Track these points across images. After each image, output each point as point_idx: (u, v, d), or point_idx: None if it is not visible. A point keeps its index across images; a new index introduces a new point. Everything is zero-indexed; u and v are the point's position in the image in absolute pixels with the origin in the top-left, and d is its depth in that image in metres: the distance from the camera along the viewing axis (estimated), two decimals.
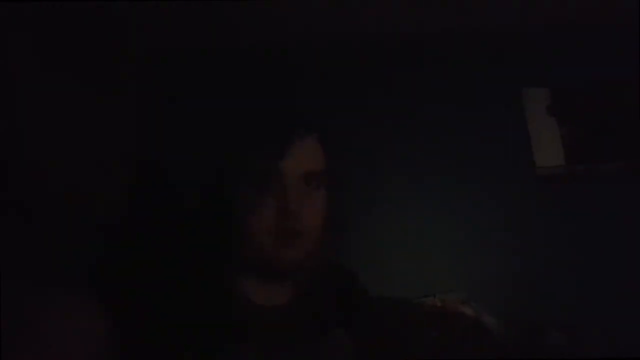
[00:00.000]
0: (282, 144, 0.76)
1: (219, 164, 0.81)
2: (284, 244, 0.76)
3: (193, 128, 1.11)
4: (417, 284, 1.35)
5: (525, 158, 1.63)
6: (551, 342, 1.18)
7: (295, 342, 0.81)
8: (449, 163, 1.59)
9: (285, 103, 0.97)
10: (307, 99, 1.25)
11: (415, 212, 1.52)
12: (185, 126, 1.28)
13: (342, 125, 1.45)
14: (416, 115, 1.60)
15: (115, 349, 0.69)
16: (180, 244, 0.95)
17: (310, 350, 0.83)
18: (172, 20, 1.32)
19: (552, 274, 1.47)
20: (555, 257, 1.50)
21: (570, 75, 1.68)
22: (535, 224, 1.54)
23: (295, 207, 0.75)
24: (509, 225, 1.53)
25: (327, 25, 1.54)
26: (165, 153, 1.20)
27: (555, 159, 1.62)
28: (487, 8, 1.55)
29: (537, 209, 1.56)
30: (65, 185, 0.88)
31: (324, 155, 0.80)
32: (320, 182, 0.79)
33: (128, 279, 0.80)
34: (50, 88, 0.90)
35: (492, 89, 1.65)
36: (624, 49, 1.55)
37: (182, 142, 1.16)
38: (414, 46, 1.63)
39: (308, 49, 1.54)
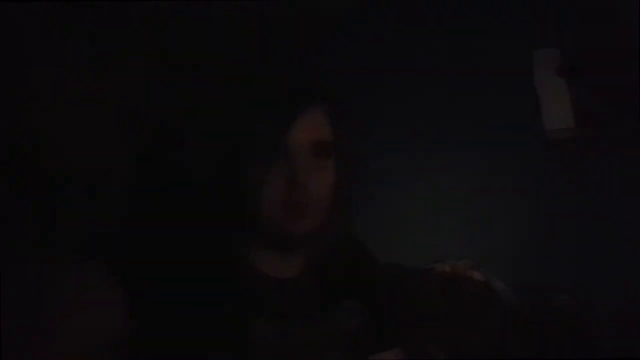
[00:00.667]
0: (289, 116, 0.76)
1: (227, 136, 0.80)
2: (294, 215, 0.76)
3: (200, 99, 1.10)
4: (426, 252, 1.35)
5: (534, 121, 1.60)
6: (560, 305, 1.19)
7: (307, 313, 0.82)
8: (456, 127, 1.57)
9: (290, 73, 0.96)
10: (314, 68, 1.23)
11: (423, 180, 1.51)
12: (192, 98, 1.26)
13: (348, 93, 1.44)
14: (422, 78, 1.57)
15: (130, 323, 0.70)
16: (191, 215, 0.95)
17: (322, 321, 0.84)
18: None
19: (561, 239, 1.47)
20: (564, 222, 1.49)
21: (581, 35, 1.64)
22: (543, 188, 1.53)
23: (304, 179, 0.75)
24: (517, 190, 1.52)
25: None
26: (174, 124, 1.18)
27: (565, 121, 1.60)
28: None
29: (545, 173, 1.55)
30: (77, 156, 0.88)
31: (332, 126, 0.80)
32: (328, 153, 0.79)
33: (141, 251, 0.80)
34: (61, 59, 0.89)
35: (500, 50, 1.61)
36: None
37: (190, 113, 1.14)
38: (419, 4, 1.58)
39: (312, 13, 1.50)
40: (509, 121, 1.59)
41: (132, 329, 0.70)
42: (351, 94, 1.46)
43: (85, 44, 0.94)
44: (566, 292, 1.19)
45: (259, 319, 0.77)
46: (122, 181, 0.97)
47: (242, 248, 0.83)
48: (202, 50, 1.29)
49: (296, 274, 0.86)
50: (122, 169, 0.97)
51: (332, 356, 0.82)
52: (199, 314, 0.74)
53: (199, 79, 1.23)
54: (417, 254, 1.33)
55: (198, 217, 0.91)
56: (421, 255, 1.34)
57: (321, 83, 0.86)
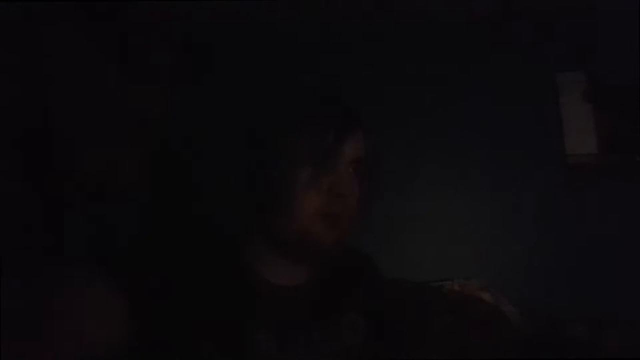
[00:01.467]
0: (344, 129, 0.78)
1: (265, 138, 0.81)
2: (330, 226, 0.76)
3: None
4: (438, 269, 1.34)
5: (556, 145, 1.58)
6: (571, 332, 1.16)
7: (310, 325, 0.81)
8: (476, 147, 1.55)
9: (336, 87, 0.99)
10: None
11: (440, 197, 1.50)
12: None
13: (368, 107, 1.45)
14: (444, 98, 1.57)
15: (132, 327, 0.70)
16: (199, 221, 0.96)
17: (325, 334, 0.83)
18: None
19: (576, 265, 1.44)
20: (581, 247, 1.46)
21: (608, 61, 1.61)
22: (562, 212, 1.50)
23: (348, 191, 0.77)
24: (536, 213, 1.50)
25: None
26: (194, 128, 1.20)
27: (587, 146, 1.57)
28: None
29: (565, 197, 1.52)
30: (87, 161, 0.89)
31: (365, 144, 0.83)
32: (365, 170, 0.81)
33: (146, 256, 0.81)
34: (79, 64, 0.91)
35: (527, 73, 1.60)
36: None
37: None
38: (446, 28, 1.59)
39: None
40: (531, 143, 1.57)
41: (133, 334, 0.70)
42: (373, 108, 1.46)
43: (108, 49, 0.96)
44: (580, 321, 1.15)
45: (261, 328, 0.77)
46: (133, 187, 0.98)
47: (248, 255, 0.83)
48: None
49: (302, 284, 0.85)
50: (133, 174, 0.98)
51: None
52: (201, 321, 0.74)
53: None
54: (428, 271, 1.32)
55: (206, 224, 0.91)
56: (432, 272, 1.33)
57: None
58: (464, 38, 1.60)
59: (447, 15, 1.56)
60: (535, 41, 1.60)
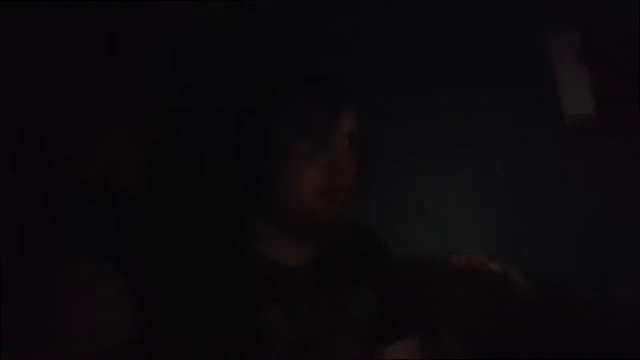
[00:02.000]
0: (339, 106, 0.80)
1: (268, 114, 0.82)
2: (331, 201, 0.78)
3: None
4: (443, 242, 1.34)
5: (553, 106, 1.56)
6: (579, 296, 1.18)
7: (319, 302, 0.83)
8: (472, 114, 1.54)
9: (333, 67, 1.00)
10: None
11: (439, 169, 1.49)
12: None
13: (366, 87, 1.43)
14: (436, 62, 1.54)
15: (138, 318, 0.70)
16: (202, 205, 0.95)
17: (334, 309, 0.84)
18: None
19: (581, 229, 1.44)
20: (584, 211, 1.47)
21: (603, 15, 1.59)
22: (563, 176, 1.50)
23: (345, 166, 0.79)
24: (536, 178, 1.50)
25: None
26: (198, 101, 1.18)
27: (586, 107, 1.56)
28: None
29: (565, 160, 1.52)
30: (87, 155, 0.88)
31: (359, 121, 0.84)
32: (358, 145, 0.82)
33: (149, 246, 0.80)
34: (68, 57, 0.89)
35: (518, 31, 1.57)
36: None
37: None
38: None
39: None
40: (527, 107, 1.56)
41: (141, 323, 0.70)
42: (369, 88, 1.44)
43: (98, 45, 0.94)
44: (585, 284, 1.17)
45: (270, 307, 0.78)
46: (134, 176, 0.97)
47: (253, 236, 0.83)
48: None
49: (309, 262, 0.86)
50: (133, 164, 0.97)
51: (345, 344, 0.82)
52: (210, 305, 0.75)
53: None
54: (433, 244, 1.33)
55: (210, 207, 0.91)
56: (437, 245, 1.34)
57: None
58: (457, 5, 1.56)
59: None
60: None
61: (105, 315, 0.67)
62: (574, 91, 1.58)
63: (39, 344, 0.62)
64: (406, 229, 1.32)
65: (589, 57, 1.59)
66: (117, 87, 0.94)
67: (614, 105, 1.56)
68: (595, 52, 1.60)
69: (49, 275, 0.67)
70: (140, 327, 0.70)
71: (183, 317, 0.74)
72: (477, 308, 1.07)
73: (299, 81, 0.84)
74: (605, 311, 1.10)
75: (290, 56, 1.32)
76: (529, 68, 1.57)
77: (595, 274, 1.29)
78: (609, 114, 1.55)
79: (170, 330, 0.73)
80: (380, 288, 0.89)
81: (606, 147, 1.51)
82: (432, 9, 1.55)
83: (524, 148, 1.52)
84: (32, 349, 0.61)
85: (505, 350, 1.04)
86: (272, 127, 0.80)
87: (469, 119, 1.53)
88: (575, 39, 1.60)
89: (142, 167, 0.97)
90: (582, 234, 1.42)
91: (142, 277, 0.72)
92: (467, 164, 1.50)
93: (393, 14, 1.54)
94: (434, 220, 1.41)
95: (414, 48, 1.53)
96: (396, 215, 1.38)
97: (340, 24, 1.47)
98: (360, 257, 0.91)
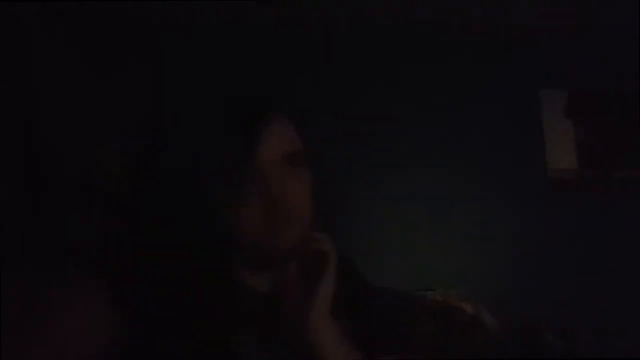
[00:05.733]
0: (253, 134, 0.73)
1: (194, 161, 0.78)
2: (277, 230, 0.73)
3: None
4: (421, 279, 1.37)
5: (538, 159, 1.62)
6: (547, 343, 1.20)
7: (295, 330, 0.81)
8: (459, 159, 1.59)
9: (247, 88, 0.95)
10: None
11: (423, 208, 1.53)
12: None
13: (342, 114, 1.47)
14: (428, 111, 1.60)
15: (122, 332, 0.70)
16: (180, 233, 0.95)
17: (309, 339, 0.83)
18: None
19: (556, 277, 1.48)
20: (561, 260, 1.50)
21: (589, 77, 1.67)
22: (541, 225, 1.55)
23: (281, 193, 0.72)
24: (516, 226, 1.54)
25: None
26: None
27: (568, 162, 1.62)
28: (505, 6, 1.54)
29: (545, 211, 1.56)
30: (72, 163, 0.89)
31: (298, 134, 0.78)
32: (300, 161, 0.76)
33: (133, 262, 0.81)
34: (63, 65, 0.91)
35: (510, 87, 1.64)
36: None
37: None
38: (427, 38, 1.62)
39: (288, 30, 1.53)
40: (513, 157, 1.61)
41: (122, 339, 0.70)
42: (355, 121, 1.49)
43: (88, 50, 0.96)
44: (554, 330, 1.19)
45: (247, 332, 0.77)
46: (117, 189, 0.97)
47: (233, 264, 0.83)
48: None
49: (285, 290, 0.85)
50: (117, 176, 0.97)
51: None
52: (187, 326, 0.74)
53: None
54: (411, 280, 1.35)
55: (188, 234, 0.91)
56: (415, 282, 1.36)
57: (281, 91, 0.85)
58: (453, 54, 1.64)
59: (436, 28, 1.59)
60: (520, 59, 1.65)
61: (87, 324, 0.67)
62: (558, 146, 1.64)
63: (20, 350, 0.62)
64: (383, 264, 1.34)
65: (574, 116, 1.66)
66: (112, 94, 0.96)
67: (595, 161, 1.62)
68: (580, 111, 1.66)
69: (33, 281, 0.67)
70: (121, 342, 0.70)
71: (159, 335, 0.73)
72: (448, 345, 1.09)
73: (210, 117, 0.78)
74: (569, 355, 1.13)
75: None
76: (516, 122, 1.64)
77: (563, 321, 1.31)
78: (590, 169, 1.61)
79: (149, 345, 0.73)
80: (357, 317, 0.89)
81: (586, 200, 1.57)
82: (431, 57, 1.63)
83: (506, 196, 1.57)
84: (15, 355, 0.61)
85: None
86: (199, 174, 0.75)
87: (456, 162, 1.58)
88: (563, 97, 1.67)
89: (131, 175, 0.98)
90: (557, 283, 1.45)
91: (125, 292, 0.72)
92: (449, 206, 1.55)
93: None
94: (412, 257, 1.44)
95: (402, 86, 1.59)
96: (374, 250, 1.40)
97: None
98: (338, 285, 0.91)
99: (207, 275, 0.79)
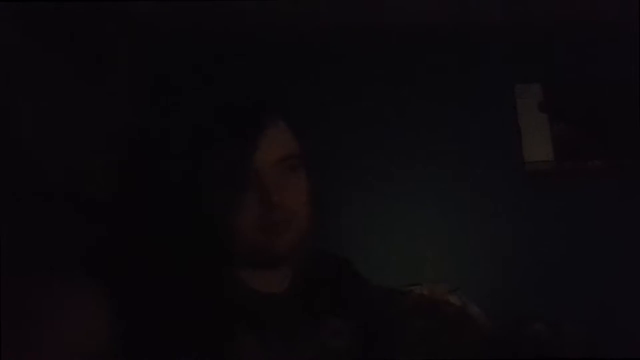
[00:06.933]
0: (250, 136, 0.73)
1: (191, 162, 0.77)
2: (275, 234, 0.74)
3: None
4: (406, 274, 1.37)
5: (515, 153, 1.65)
6: (534, 333, 1.21)
7: (292, 330, 0.81)
8: (438, 155, 1.61)
9: (243, 93, 0.95)
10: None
11: (405, 204, 1.54)
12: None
13: (331, 114, 1.48)
14: (406, 107, 1.61)
15: (118, 336, 0.69)
16: (172, 235, 0.94)
17: (307, 338, 0.83)
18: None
19: (538, 267, 1.50)
20: (541, 251, 1.53)
21: (563, 71, 1.70)
22: (522, 217, 1.57)
23: (278, 197, 0.73)
24: (496, 218, 1.56)
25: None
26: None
27: (544, 154, 1.65)
28: (481, 2, 1.56)
29: (524, 203, 1.58)
30: (57, 168, 0.87)
31: (295, 138, 0.78)
32: (296, 165, 0.77)
33: (126, 266, 0.79)
34: (41, 71, 0.89)
35: (485, 83, 1.66)
36: (618, 46, 1.58)
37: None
38: (403, 37, 1.63)
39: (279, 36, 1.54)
40: (490, 151, 1.63)
41: (120, 340, 0.69)
42: (349, 124, 1.49)
43: (69, 55, 0.94)
44: (540, 320, 1.20)
45: (244, 333, 0.77)
46: (106, 194, 0.96)
47: (231, 263, 0.82)
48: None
49: (285, 290, 0.85)
50: (105, 182, 0.96)
51: None
52: (186, 326, 0.73)
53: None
54: (397, 275, 1.35)
55: (181, 238, 0.90)
56: (401, 277, 1.36)
57: (278, 95, 0.86)
58: (431, 48, 1.65)
59: (402, 19, 1.60)
60: (495, 54, 1.67)
61: (84, 331, 0.66)
62: (534, 139, 1.67)
63: (15, 355, 0.61)
64: (368, 259, 1.34)
65: (549, 109, 1.69)
66: (96, 99, 0.95)
67: (570, 153, 1.65)
68: (555, 104, 1.70)
69: (29, 292, 0.66)
70: (119, 342, 0.68)
71: (158, 336, 0.72)
72: (436, 340, 1.09)
73: (208, 119, 0.78)
74: (559, 347, 1.13)
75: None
76: (494, 116, 1.66)
77: (551, 310, 1.33)
78: (566, 160, 1.64)
79: (147, 345, 0.72)
80: (352, 318, 0.89)
81: (563, 191, 1.59)
82: (408, 52, 1.64)
83: (487, 189, 1.59)
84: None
85: None
86: (197, 176, 0.75)
87: (436, 158, 1.59)
88: (538, 92, 1.70)
89: (119, 180, 0.97)
90: (539, 271, 1.48)
91: (122, 294, 0.71)
92: (433, 201, 1.56)
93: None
94: (397, 252, 1.45)
95: (382, 86, 1.59)
96: (359, 245, 1.41)
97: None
98: (334, 285, 0.90)
99: (204, 276, 0.78)
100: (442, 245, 1.51)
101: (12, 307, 0.63)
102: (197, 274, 0.77)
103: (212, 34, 1.49)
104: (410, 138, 1.60)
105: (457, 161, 1.61)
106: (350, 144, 1.52)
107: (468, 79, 1.66)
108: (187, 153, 0.78)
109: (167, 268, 0.76)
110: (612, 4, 1.49)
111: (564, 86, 1.71)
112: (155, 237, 0.90)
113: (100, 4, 1.00)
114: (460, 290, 1.25)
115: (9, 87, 0.84)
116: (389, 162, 1.57)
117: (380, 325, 0.93)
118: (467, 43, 1.67)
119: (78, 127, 0.93)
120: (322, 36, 1.56)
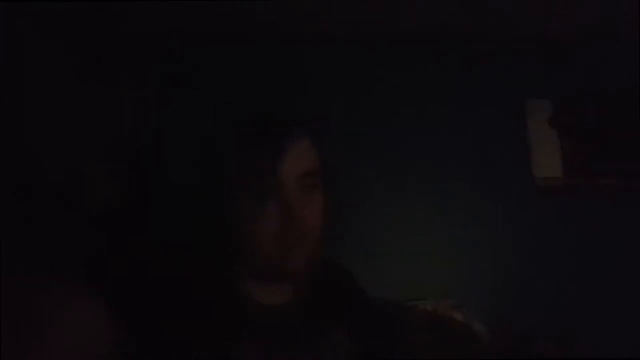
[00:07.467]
0: (279, 148, 0.74)
1: (214, 167, 0.78)
2: (291, 247, 0.75)
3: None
4: (411, 288, 1.36)
5: (524, 168, 1.64)
6: (539, 350, 1.20)
7: (297, 341, 0.81)
8: (447, 171, 1.60)
9: (277, 104, 0.96)
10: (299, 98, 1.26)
11: (413, 218, 1.54)
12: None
13: (336, 125, 1.49)
14: (417, 120, 1.62)
15: (119, 345, 0.69)
16: (181, 243, 0.95)
17: (309, 351, 0.83)
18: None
19: (547, 283, 1.49)
20: (549, 267, 1.51)
21: (573, 87, 1.70)
22: (530, 233, 1.56)
23: (299, 210, 0.74)
24: (504, 234, 1.55)
25: (323, 24, 1.53)
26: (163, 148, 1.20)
27: (553, 170, 1.64)
28: (494, 16, 1.56)
29: (532, 219, 1.58)
30: (63, 175, 0.88)
31: (318, 155, 0.80)
32: (316, 182, 0.78)
33: (130, 274, 0.80)
34: (51, 77, 0.90)
35: (496, 98, 1.66)
36: (631, 63, 1.57)
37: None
38: (418, 50, 1.64)
39: (301, 48, 1.55)
40: (500, 166, 1.63)
41: (122, 346, 0.69)
42: (339, 124, 1.50)
43: (77, 57, 0.95)
44: (546, 337, 1.19)
45: (245, 343, 0.77)
46: (112, 197, 0.96)
47: (235, 274, 0.83)
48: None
49: (288, 301, 0.85)
50: (112, 185, 0.97)
51: None
52: (186, 334, 0.74)
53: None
54: (402, 289, 1.35)
55: (189, 245, 0.91)
56: (406, 291, 1.36)
57: (303, 113, 0.87)
58: (440, 62, 1.65)
59: (419, 32, 1.61)
60: (506, 69, 1.67)
61: (83, 336, 0.67)
62: (543, 155, 1.66)
63: None
64: (374, 274, 1.34)
65: (559, 125, 1.69)
66: (104, 102, 0.96)
67: (579, 169, 1.64)
68: (565, 121, 1.69)
69: (31, 299, 0.66)
70: (121, 349, 0.69)
71: (162, 346, 0.73)
72: (440, 356, 1.08)
73: (235, 126, 0.79)
74: None
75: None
76: (505, 130, 1.66)
77: (556, 330, 1.31)
78: (575, 177, 1.63)
79: (150, 355, 0.72)
80: (354, 331, 0.89)
81: (572, 207, 1.58)
82: (417, 64, 1.64)
83: (495, 205, 1.58)
84: None
85: None
86: (219, 182, 0.76)
87: (445, 172, 1.59)
88: (547, 107, 1.70)
89: (121, 186, 0.97)
90: (545, 288, 1.46)
91: (121, 303, 0.71)
92: (439, 215, 1.55)
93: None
94: (402, 267, 1.44)
95: (394, 99, 1.61)
96: (365, 259, 1.40)
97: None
98: (337, 298, 0.90)
99: (209, 283, 0.79)
100: (449, 260, 1.50)
101: (13, 309, 0.64)
102: (202, 281, 0.78)
103: (227, 38, 1.50)
104: (418, 152, 1.60)
105: (467, 177, 1.60)
106: (354, 158, 1.53)
107: (479, 96, 1.66)
108: (209, 158, 0.79)
109: (170, 272, 0.78)
110: (624, 19, 1.48)
111: (575, 102, 1.70)
112: (160, 240, 0.90)
113: (104, 4, 1.02)
114: (465, 307, 1.25)
115: (12, 88, 0.85)
116: (394, 177, 1.57)
117: (383, 339, 0.93)
118: (479, 59, 1.67)
119: (84, 130, 0.94)
120: (323, 39, 1.57)
